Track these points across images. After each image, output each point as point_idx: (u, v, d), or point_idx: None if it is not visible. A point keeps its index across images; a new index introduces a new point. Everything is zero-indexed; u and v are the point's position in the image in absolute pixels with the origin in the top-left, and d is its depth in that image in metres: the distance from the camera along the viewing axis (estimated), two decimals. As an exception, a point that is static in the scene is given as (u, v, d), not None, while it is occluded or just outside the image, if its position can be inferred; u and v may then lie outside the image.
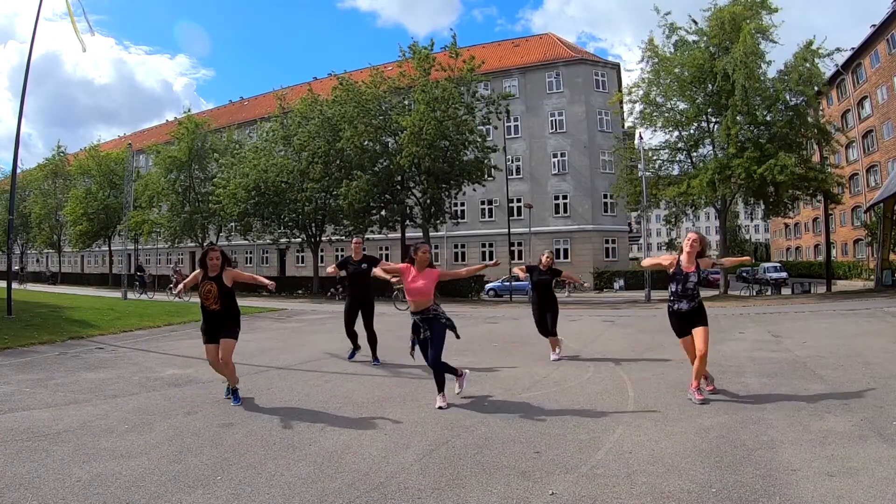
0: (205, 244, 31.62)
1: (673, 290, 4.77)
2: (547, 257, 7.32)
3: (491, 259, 33.88)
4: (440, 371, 4.70)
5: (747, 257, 4.97)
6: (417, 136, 21.04)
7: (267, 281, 5.29)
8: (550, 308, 7.18)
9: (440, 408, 4.54)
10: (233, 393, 4.96)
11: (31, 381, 5.83)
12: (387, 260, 29.59)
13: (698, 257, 4.76)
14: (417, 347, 4.86)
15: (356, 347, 7.25)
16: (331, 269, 7.36)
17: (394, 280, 5.51)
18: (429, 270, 4.77)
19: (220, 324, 4.86)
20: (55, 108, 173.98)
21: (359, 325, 7.17)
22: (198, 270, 4.94)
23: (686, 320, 4.73)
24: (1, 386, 5.55)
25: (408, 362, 6.29)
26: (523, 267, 7.55)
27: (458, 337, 4.93)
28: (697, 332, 4.66)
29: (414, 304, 4.73)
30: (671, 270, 4.77)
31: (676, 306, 4.74)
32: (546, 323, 7.13)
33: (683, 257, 4.77)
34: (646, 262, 5.51)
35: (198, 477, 3.13)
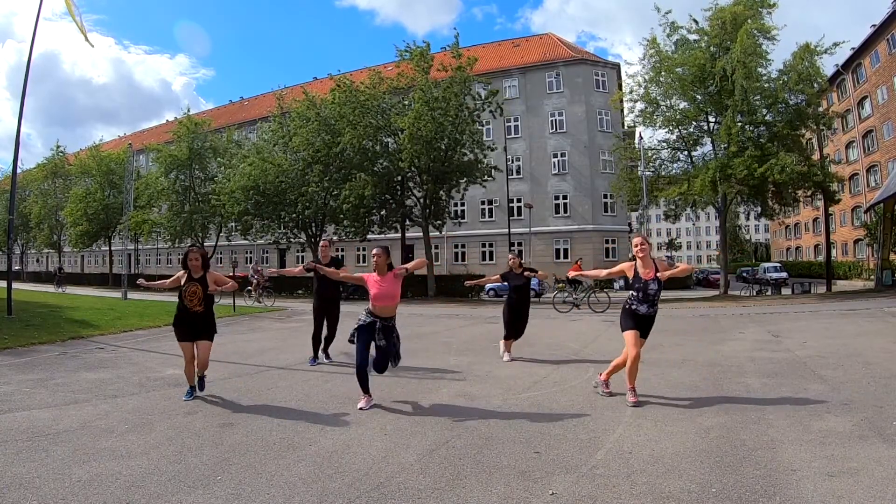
0: (205, 244, 31.65)
1: (633, 294, 4.78)
2: (512, 259, 7.38)
3: (491, 259, 33.90)
4: (365, 375, 4.67)
5: (682, 266, 4.91)
6: (416, 135, 21.04)
7: (232, 280, 5.39)
8: (526, 311, 7.24)
9: (361, 408, 4.56)
10: (199, 379, 5.12)
11: (31, 381, 5.83)
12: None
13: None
14: (356, 342, 4.70)
15: (316, 356, 7.09)
16: (297, 269, 7.40)
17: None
18: (389, 274, 4.69)
19: (201, 325, 4.97)
20: (54, 108, 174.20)
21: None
22: (182, 272, 5.03)
23: (643, 323, 4.77)
24: (1, 386, 5.55)
25: (405, 363, 6.29)
26: (498, 276, 7.51)
27: (395, 363, 4.83)
28: (641, 340, 4.76)
29: (380, 309, 4.65)
30: (630, 278, 4.80)
31: (635, 307, 4.76)
32: (517, 325, 7.17)
33: (639, 263, 4.76)
34: (602, 273, 5.46)
35: (198, 477, 3.13)
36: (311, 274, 7.08)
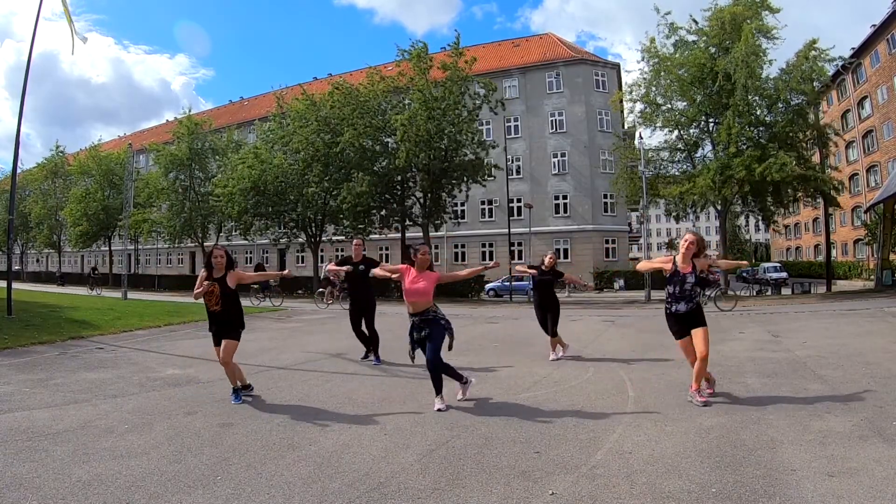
0: (205, 244, 31.65)
1: (670, 291, 4.70)
2: (550, 258, 7.38)
3: (491, 259, 33.91)
4: (438, 372, 4.65)
5: (744, 261, 4.88)
6: (412, 134, 21.02)
7: (276, 273, 5.40)
8: (551, 308, 7.19)
9: (439, 410, 4.51)
10: (233, 392, 5.00)
11: (31, 381, 5.83)
12: (386, 261, 29.65)
13: (695, 257, 4.70)
14: (418, 349, 4.80)
15: (367, 349, 7.19)
16: (331, 266, 7.36)
17: (394, 277, 5.39)
18: (429, 272, 4.72)
19: (223, 325, 4.92)
20: (53, 108, 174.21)
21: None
22: (203, 272, 4.97)
23: (684, 322, 4.67)
24: (1, 386, 5.55)
25: (408, 362, 6.29)
26: (526, 266, 7.62)
27: (450, 348, 4.76)
28: (697, 334, 4.59)
29: (413, 305, 4.68)
30: (668, 272, 4.70)
31: (674, 308, 4.68)
32: (547, 322, 7.14)
33: (679, 258, 4.70)
34: (641, 266, 5.43)
35: (198, 477, 3.13)
36: (344, 274, 7.13)
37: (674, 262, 4.70)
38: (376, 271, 5.82)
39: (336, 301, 18.02)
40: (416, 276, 4.67)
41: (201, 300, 5.02)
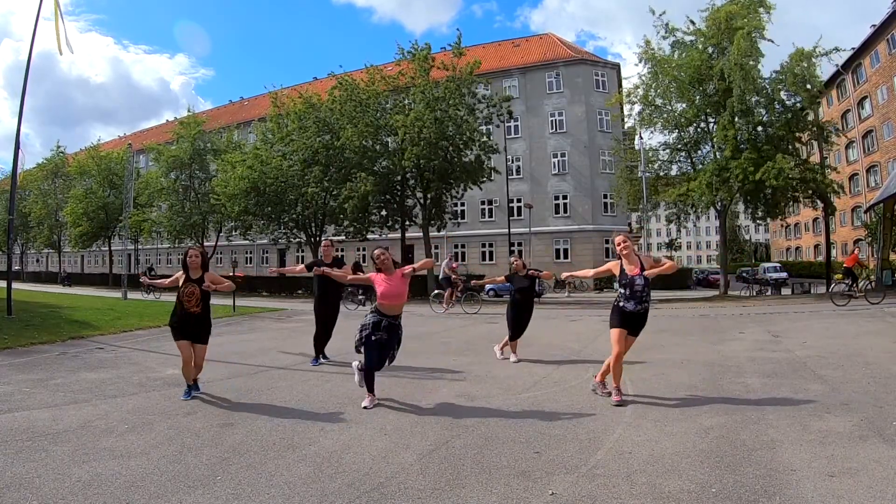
0: (205, 244, 31.65)
1: (621, 291, 4.79)
2: (515, 261, 7.41)
3: (491, 259, 33.92)
4: (372, 374, 4.73)
5: (668, 263, 4.74)
6: (417, 136, 21.01)
7: (229, 280, 5.36)
8: (529, 311, 7.22)
9: (365, 407, 4.59)
10: (188, 388, 5.11)
11: (31, 381, 5.83)
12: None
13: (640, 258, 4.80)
14: (364, 348, 4.71)
15: (318, 356, 7.06)
16: (299, 268, 7.37)
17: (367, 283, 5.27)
18: (396, 272, 4.75)
19: (198, 327, 4.97)
20: (52, 107, 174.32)
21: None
22: (180, 272, 5.03)
23: (629, 320, 4.76)
24: (1, 386, 5.55)
25: (406, 363, 6.29)
26: (501, 278, 7.60)
27: (390, 363, 4.89)
28: (628, 341, 4.79)
29: (387, 307, 4.70)
30: (617, 275, 4.81)
31: (622, 304, 4.76)
32: (522, 326, 7.14)
33: (624, 261, 4.80)
34: (589, 273, 5.46)
35: (198, 477, 3.13)
36: (312, 274, 7.11)
37: (621, 267, 4.79)
38: (348, 277, 5.74)
39: (457, 304, 15.50)
40: (386, 279, 4.71)
41: (170, 298, 5.09)
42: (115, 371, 6.47)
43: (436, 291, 16.85)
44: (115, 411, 4.61)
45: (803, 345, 7.65)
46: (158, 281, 5.25)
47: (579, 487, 2.92)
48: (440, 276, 16.32)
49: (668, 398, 4.80)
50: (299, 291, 26.86)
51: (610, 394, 4.80)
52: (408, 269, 4.81)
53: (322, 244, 7.36)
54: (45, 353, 7.74)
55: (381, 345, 4.67)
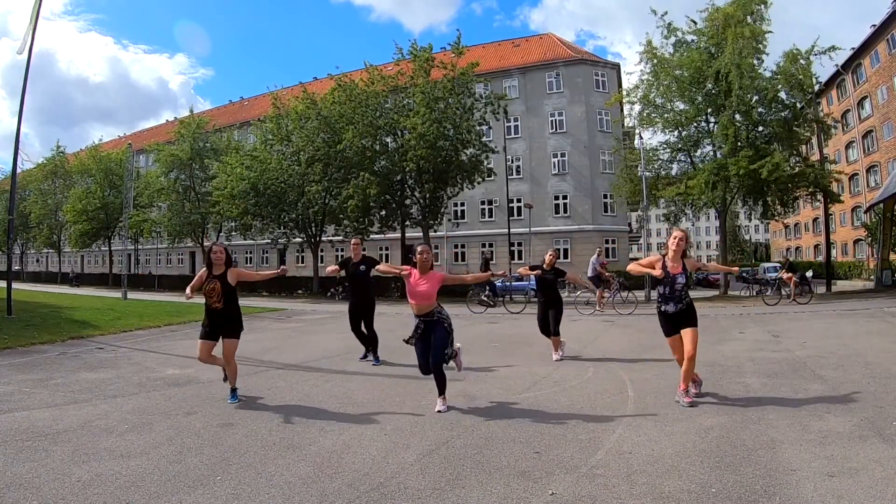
0: (205, 244, 31.65)
1: (661, 291, 4.70)
2: (550, 256, 7.37)
3: (491, 259, 33.84)
4: (440, 371, 4.61)
5: (735, 268, 4.75)
6: (421, 137, 21.03)
7: (271, 272, 5.43)
8: (554, 307, 7.16)
9: (439, 411, 4.48)
10: (231, 392, 5.00)
11: (31, 381, 5.83)
12: (386, 261, 29.62)
13: (684, 257, 4.70)
14: (415, 343, 4.68)
15: (367, 349, 7.18)
16: (331, 268, 7.33)
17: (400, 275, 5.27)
18: (432, 273, 4.64)
19: (223, 323, 4.92)
20: (50, 107, 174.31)
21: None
22: (203, 270, 4.98)
23: (674, 321, 4.66)
24: (1, 386, 5.55)
25: (408, 362, 6.29)
26: (527, 267, 7.59)
27: (449, 354, 4.70)
28: (686, 333, 4.59)
29: (417, 307, 4.63)
30: (659, 274, 4.65)
31: (664, 307, 4.68)
32: (547, 321, 7.11)
33: (669, 257, 4.68)
34: (632, 268, 5.24)
35: (198, 477, 3.13)
36: (343, 273, 7.17)
37: (663, 264, 4.66)
38: (381, 268, 5.78)
39: (609, 304, 14.34)
40: (419, 279, 4.60)
41: (201, 299, 5.01)
42: (115, 371, 6.47)
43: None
44: (115, 411, 4.61)
45: (803, 345, 7.65)
46: (191, 286, 5.06)
47: (579, 487, 2.91)
48: (589, 274, 14.66)
49: (669, 398, 4.79)
50: (299, 291, 26.85)
51: (693, 404, 4.51)
52: (449, 278, 4.82)
53: (352, 242, 7.39)
54: (45, 353, 7.74)
55: (423, 347, 4.59)
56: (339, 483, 3.03)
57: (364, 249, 7.47)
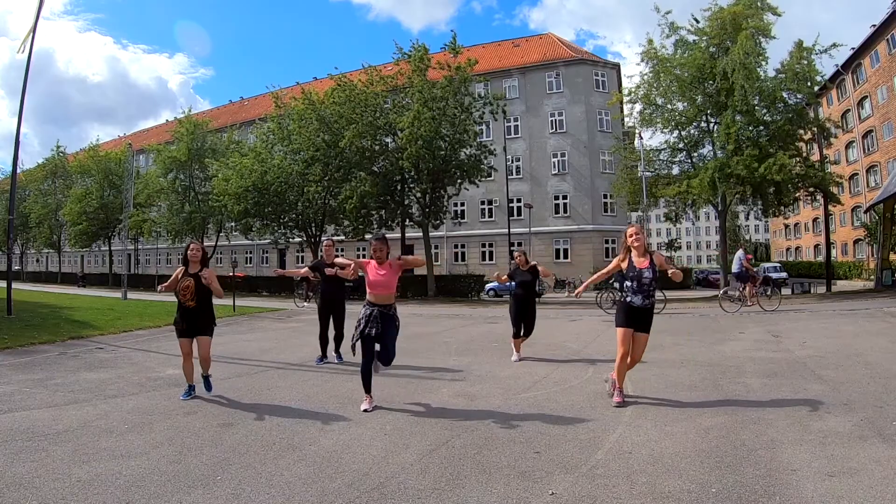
0: (204, 244, 31.65)
1: (628, 285, 4.66)
2: (519, 256, 7.37)
3: (491, 259, 33.92)
4: (369, 374, 4.66)
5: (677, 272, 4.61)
6: (415, 136, 21.02)
7: (219, 288, 5.27)
8: (532, 306, 7.17)
9: (365, 410, 4.52)
10: (204, 379, 5.15)
11: (31, 381, 5.83)
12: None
13: (650, 253, 4.70)
14: (361, 344, 4.65)
15: (324, 355, 7.09)
16: (304, 270, 7.39)
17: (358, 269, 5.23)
18: (389, 262, 4.72)
19: (196, 321, 4.98)
20: (49, 107, 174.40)
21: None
22: (180, 268, 5.06)
23: (634, 316, 4.63)
24: (1, 386, 5.55)
25: (406, 363, 6.30)
26: (501, 275, 7.46)
27: (388, 360, 4.74)
28: (639, 339, 4.67)
29: (375, 297, 4.65)
30: (624, 268, 4.65)
31: (629, 299, 4.64)
32: (523, 315, 7.07)
33: (633, 253, 4.68)
34: (593, 278, 5.28)
35: (198, 477, 3.13)
36: (315, 275, 7.16)
37: (629, 259, 4.66)
38: (338, 260, 5.75)
39: (755, 301, 13.65)
40: (377, 269, 4.68)
41: (173, 296, 5.07)
42: (115, 371, 6.47)
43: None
44: (115, 411, 4.61)
45: (803, 345, 7.65)
46: (166, 283, 5.15)
47: (579, 487, 2.92)
48: (734, 271, 14.07)
49: (668, 398, 4.79)
50: (299, 292, 26.85)
51: (622, 402, 4.62)
52: (399, 259, 4.77)
53: (324, 244, 7.38)
54: (45, 353, 7.74)
55: (377, 337, 4.58)
56: (339, 483, 3.03)
57: (341, 251, 7.47)
